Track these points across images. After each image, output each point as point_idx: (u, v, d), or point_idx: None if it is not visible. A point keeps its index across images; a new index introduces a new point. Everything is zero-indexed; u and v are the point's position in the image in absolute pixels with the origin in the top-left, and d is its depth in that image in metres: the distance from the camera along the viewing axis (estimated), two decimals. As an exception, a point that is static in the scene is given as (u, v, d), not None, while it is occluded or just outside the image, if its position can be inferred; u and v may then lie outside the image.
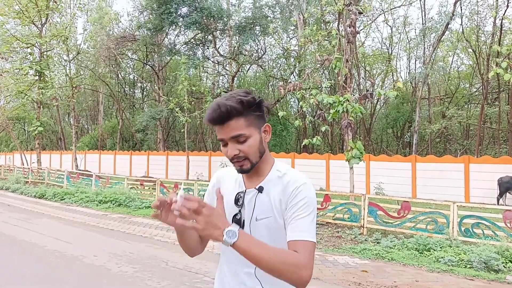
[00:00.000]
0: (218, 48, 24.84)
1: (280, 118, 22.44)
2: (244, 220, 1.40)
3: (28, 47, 21.38)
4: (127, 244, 7.33)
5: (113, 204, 12.01)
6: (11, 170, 21.52)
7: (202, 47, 23.94)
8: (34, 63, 20.88)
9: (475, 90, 26.50)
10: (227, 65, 26.04)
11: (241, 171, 1.38)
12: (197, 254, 1.54)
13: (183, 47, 23.59)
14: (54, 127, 36.82)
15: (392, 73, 30.01)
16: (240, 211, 1.41)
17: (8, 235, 7.96)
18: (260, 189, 1.39)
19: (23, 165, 24.55)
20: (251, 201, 1.40)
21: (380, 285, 5.08)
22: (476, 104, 25.72)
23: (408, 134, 25.48)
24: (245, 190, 1.42)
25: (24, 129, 37.97)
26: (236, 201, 1.43)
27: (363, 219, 8.06)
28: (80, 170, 21.41)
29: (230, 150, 1.35)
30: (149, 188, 13.31)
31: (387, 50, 29.12)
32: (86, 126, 41.93)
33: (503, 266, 5.69)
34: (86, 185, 15.13)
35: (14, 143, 31.06)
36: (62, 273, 5.51)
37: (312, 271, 1.26)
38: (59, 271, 5.63)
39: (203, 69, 27.22)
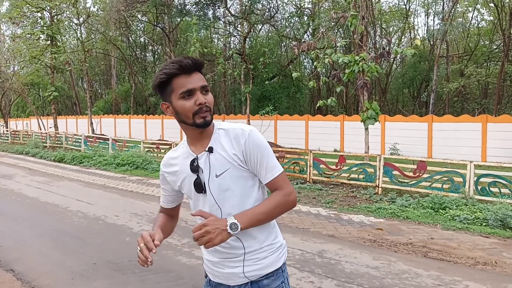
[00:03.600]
0: (229, 7, 24.21)
1: (293, 79, 22.18)
2: (204, 181, 1.49)
3: (38, 11, 21.17)
4: (147, 204, 7.53)
5: (131, 167, 12.26)
6: (29, 135, 21.96)
7: (212, 7, 23.35)
8: (45, 28, 20.76)
9: (495, 47, 25.53)
10: (239, 26, 25.46)
11: (205, 123, 1.45)
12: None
13: (194, 8, 23.02)
14: (68, 92, 37.08)
15: (410, 30, 29.06)
16: (198, 175, 1.50)
17: (31, 197, 8.25)
18: (210, 149, 1.48)
19: (40, 130, 25.00)
20: (205, 163, 1.49)
21: (395, 242, 5.16)
22: (496, 62, 24.87)
23: (425, 93, 24.92)
24: (197, 156, 1.50)
25: (39, 95, 38.39)
26: (192, 169, 1.50)
27: (378, 179, 8.08)
28: (96, 134, 21.73)
29: (200, 98, 1.43)
30: (165, 151, 13.49)
31: (404, 7, 28.03)
32: (99, 90, 42.10)
33: (519, 223, 5.70)
34: (103, 148, 15.41)
35: (30, 108, 31.49)
36: (87, 231, 5.73)
37: (294, 190, 1.54)
38: (84, 229, 5.86)
39: (214, 30, 26.75)
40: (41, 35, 21.21)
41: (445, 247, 4.95)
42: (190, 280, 4.01)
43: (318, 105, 11.17)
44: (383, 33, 27.88)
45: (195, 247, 4.95)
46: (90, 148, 16.08)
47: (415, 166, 7.82)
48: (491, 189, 6.78)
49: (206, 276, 1.67)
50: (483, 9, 27.07)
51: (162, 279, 4.02)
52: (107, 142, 15.66)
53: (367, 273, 4.13)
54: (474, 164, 7.07)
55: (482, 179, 6.94)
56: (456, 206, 6.57)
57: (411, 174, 7.80)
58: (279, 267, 1.56)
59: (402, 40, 29.45)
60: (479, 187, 6.90)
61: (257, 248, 1.52)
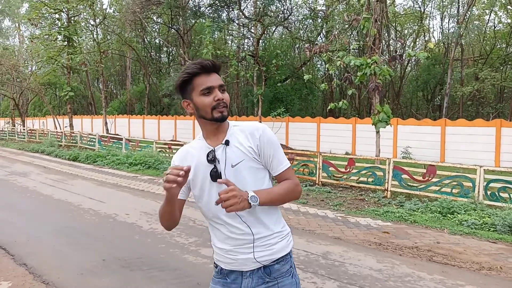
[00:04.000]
0: (243, 9, 24.36)
1: (306, 81, 22.16)
2: (220, 171, 1.62)
3: (56, 13, 21.63)
4: (157, 203, 7.66)
5: (143, 167, 12.44)
6: (45, 134, 22.42)
7: (226, 9, 23.54)
8: (62, 29, 21.20)
9: (512, 50, 25.15)
10: (252, 28, 25.60)
11: (222, 117, 1.60)
12: (175, 226, 1.73)
13: (208, 10, 23.27)
14: (84, 92, 37.71)
15: (424, 33, 28.76)
16: (215, 165, 1.62)
17: (46, 195, 8.46)
18: (227, 142, 1.63)
19: (56, 129, 25.48)
20: (222, 154, 1.62)
21: (401, 245, 5.17)
22: (512, 65, 24.48)
23: (439, 97, 24.68)
24: (214, 148, 1.64)
25: (56, 94, 39.08)
26: (209, 160, 1.63)
27: (387, 182, 8.07)
28: (110, 134, 22.07)
29: (219, 94, 1.59)
30: (176, 151, 13.65)
31: (419, 9, 27.78)
32: (115, 91, 42.69)
33: (529, 230, 5.65)
34: (117, 148, 15.66)
35: (47, 108, 32.12)
36: (98, 228, 5.88)
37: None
38: (95, 227, 6.01)
39: (227, 32, 26.93)
40: (58, 36, 21.65)
41: (450, 252, 4.95)
42: (195, 278, 4.10)
43: (330, 107, 11.17)
44: (397, 36, 27.69)
45: (201, 246, 5.05)
46: (104, 147, 16.36)
47: (425, 170, 7.79)
48: (501, 194, 6.72)
49: (216, 266, 1.74)
50: (500, 11, 26.67)
51: (168, 277, 4.12)
52: (121, 142, 15.92)
53: (370, 275, 4.16)
54: (484, 169, 7.02)
55: (492, 184, 6.89)
56: (464, 211, 6.53)
57: (420, 178, 7.78)
58: (287, 253, 1.70)
59: (417, 42, 29.19)
60: (488, 192, 6.85)
61: (268, 234, 1.64)
